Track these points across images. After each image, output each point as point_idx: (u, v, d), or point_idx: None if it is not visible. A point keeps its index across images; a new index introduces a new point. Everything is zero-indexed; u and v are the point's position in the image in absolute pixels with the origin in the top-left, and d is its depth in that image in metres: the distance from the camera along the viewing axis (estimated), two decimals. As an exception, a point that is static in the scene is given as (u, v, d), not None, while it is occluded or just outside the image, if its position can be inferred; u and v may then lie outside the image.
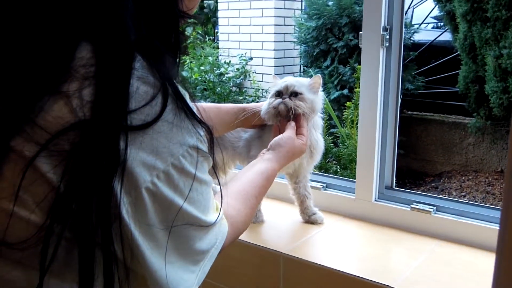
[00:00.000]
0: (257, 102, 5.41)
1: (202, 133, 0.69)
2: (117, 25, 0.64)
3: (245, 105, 1.50)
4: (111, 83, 0.62)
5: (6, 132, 0.59)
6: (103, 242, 0.61)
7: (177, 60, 0.75)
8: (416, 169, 4.91)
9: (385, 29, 1.51)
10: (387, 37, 1.51)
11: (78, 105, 0.60)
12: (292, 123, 1.38)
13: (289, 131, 1.35)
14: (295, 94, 1.40)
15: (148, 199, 0.64)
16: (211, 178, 0.75)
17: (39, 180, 0.59)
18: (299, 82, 1.42)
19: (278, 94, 1.41)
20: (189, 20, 0.78)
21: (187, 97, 0.69)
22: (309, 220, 1.58)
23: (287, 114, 1.39)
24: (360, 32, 1.55)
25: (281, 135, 1.34)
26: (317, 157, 1.52)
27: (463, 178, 4.59)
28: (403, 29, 1.55)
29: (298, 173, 1.54)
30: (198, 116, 0.69)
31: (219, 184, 0.82)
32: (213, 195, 0.79)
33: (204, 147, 0.70)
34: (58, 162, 0.59)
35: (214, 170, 0.75)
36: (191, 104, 0.69)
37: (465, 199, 4.21)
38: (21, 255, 0.60)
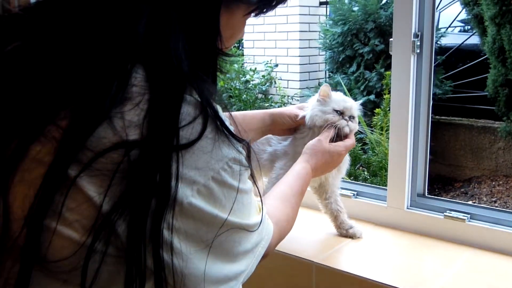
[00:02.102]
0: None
1: (239, 146, 0.71)
2: (172, 57, 0.67)
3: (271, 110, 1.49)
4: (164, 108, 0.64)
5: (64, 157, 0.60)
6: (154, 259, 0.62)
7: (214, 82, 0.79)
8: (445, 174, 4.85)
9: (416, 36, 1.50)
10: (418, 43, 1.50)
11: (121, 126, 0.61)
12: (325, 132, 1.38)
13: (320, 135, 1.36)
14: (352, 117, 1.43)
15: (191, 212, 0.65)
16: (251, 184, 0.76)
17: (82, 199, 0.60)
18: (356, 105, 1.45)
19: (339, 113, 1.41)
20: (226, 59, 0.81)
21: (220, 110, 0.71)
22: (347, 234, 1.54)
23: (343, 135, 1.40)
24: (390, 39, 1.54)
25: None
26: (344, 170, 1.51)
27: (494, 183, 4.52)
28: (434, 34, 1.54)
29: (325, 188, 1.51)
30: (234, 132, 0.71)
31: (259, 193, 0.83)
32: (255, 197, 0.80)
33: (243, 158, 0.71)
34: (100, 182, 0.60)
35: (253, 179, 0.76)
36: (226, 120, 0.70)
37: (496, 204, 4.14)
38: (65, 273, 0.61)
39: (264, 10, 0.86)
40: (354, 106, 1.44)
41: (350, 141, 1.39)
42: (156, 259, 0.63)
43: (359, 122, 1.47)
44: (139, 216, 0.61)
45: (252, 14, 0.86)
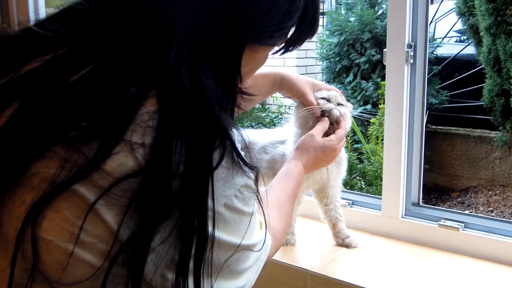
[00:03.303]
0: (281, 119, 5.41)
1: (250, 173, 0.73)
2: (205, 94, 0.68)
3: (283, 74, 1.39)
4: (197, 143, 0.66)
5: (73, 176, 0.61)
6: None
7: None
8: (442, 184, 4.85)
9: (409, 46, 1.51)
10: (412, 54, 1.52)
11: (140, 153, 0.62)
12: (318, 125, 1.34)
13: (313, 130, 1.32)
14: (341, 105, 1.40)
15: None
16: (256, 206, 0.77)
17: (99, 224, 0.61)
18: (341, 94, 1.43)
19: (325, 100, 1.39)
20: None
21: (236, 141, 0.72)
22: (343, 243, 1.55)
23: (335, 120, 1.37)
24: (384, 50, 1.55)
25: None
26: (344, 168, 1.50)
27: (490, 193, 4.52)
28: (428, 45, 1.55)
29: (327, 191, 1.51)
30: (247, 161, 0.72)
31: (262, 209, 0.83)
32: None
33: (252, 183, 0.73)
34: (118, 207, 0.61)
35: (258, 200, 0.78)
36: (241, 151, 0.72)
37: (493, 214, 4.14)
38: None
39: (290, 49, 0.88)
40: (339, 95, 1.41)
41: (342, 131, 1.34)
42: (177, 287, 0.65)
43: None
44: (147, 244, 0.62)
45: (278, 54, 0.87)
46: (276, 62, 6.10)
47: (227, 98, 0.76)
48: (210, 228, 0.66)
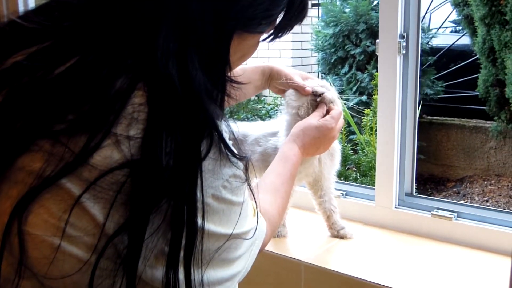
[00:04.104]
0: (276, 111, 5.41)
1: (239, 163, 0.72)
2: (192, 81, 0.68)
3: (272, 65, 1.41)
4: (185, 133, 0.65)
5: (59, 171, 0.61)
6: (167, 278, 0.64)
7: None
8: (437, 174, 4.87)
9: (401, 37, 1.51)
10: (404, 44, 1.52)
11: (126, 145, 0.62)
12: (315, 112, 1.31)
13: (310, 116, 1.30)
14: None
15: None
16: (247, 194, 0.77)
17: (85, 217, 0.61)
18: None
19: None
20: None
21: (224, 132, 0.71)
22: (338, 235, 1.55)
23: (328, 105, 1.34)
24: (377, 40, 1.55)
25: None
26: (337, 160, 1.49)
27: (485, 182, 4.54)
28: (420, 35, 1.55)
29: (321, 183, 1.50)
30: (235, 151, 0.71)
31: (254, 196, 0.83)
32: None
33: (241, 172, 0.72)
34: (104, 200, 0.61)
35: (249, 186, 0.77)
36: (229, 142, 0.71)
37: (488, 204, 4.16)
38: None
39: (279, 35, 0.87)
40: (328, 84, 1.39)
41: (337, 111, 1.31)
42: (168, 278, 0.65)
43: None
44: (140, 237, 0.62)
45: (267, 40, 0.86)
46: (272, 54, 6.10)
47: (216, 89, 0.75)
48: (199, 220, 0.66)
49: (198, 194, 0.65)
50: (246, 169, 0.74)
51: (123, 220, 0.61)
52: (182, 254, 0.65)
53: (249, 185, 0.76)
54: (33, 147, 0.62)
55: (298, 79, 1.36)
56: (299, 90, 1.34)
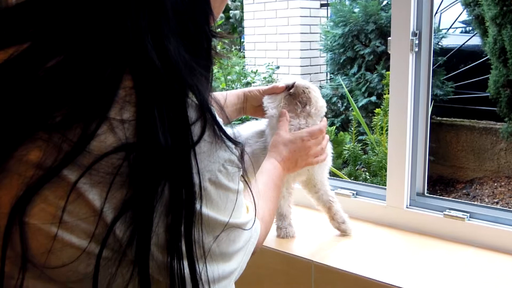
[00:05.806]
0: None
1: (233, 147, 0.72)
2: (172, 58, 0.67)
3: (247, 88, 1.49)
4: (173, 113, 0.65)
5: (60, 162, 0.60)
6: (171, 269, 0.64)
7: (210, 75, 0.77)
8: (447, 176, 4.84)
9: (414, 34, 1.50)
10: (416, 42, 1.50)
11: (120, 129, 0.62)
12: (279, 122, 1.36)
13: (278, 129, 1.35)
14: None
15: None
16: (242, 185, 0.77)
17: (82, 203, 0.60)
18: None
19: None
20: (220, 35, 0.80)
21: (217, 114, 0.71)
22: (340, 227, 1.54)
23: (300, 96, 1.39)
24: (389, 38, 1.54)
25: None
26: (329, 160, 1.49)
27: (496, 184, 4.51)
28: (433, 33, 1.54)
29: (314, 182, 1.50)
30: (230, 135, 0.72)
31: (251, 192, 0.85)
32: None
33: (236, 159, 0.72)
34: (101, 185, 0.60)
35: (245, 179, 0.77)
36: (223, 124, 0.71)
37: (498, 205, 4.13)
38: (72, 282, 0.62)
39: None
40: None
41: (315, 126, 1.36)
42: (171, 268, 0.64)
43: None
44: (145, 222, 0.61)
45: None
46: (281, 54, 6.09)
47: (200, 55, 0.74)
48: (197, 205, 0.65)
49: (195, 177, 0.65)
50: (241, 156, 0.74)
51: (121, 205, 0.60)
52: (183, 241, 0.64)
53: (243, 175, 0.76)
54: (31, 139, 0.61)
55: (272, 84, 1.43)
56: (273, 91, 1.42)
